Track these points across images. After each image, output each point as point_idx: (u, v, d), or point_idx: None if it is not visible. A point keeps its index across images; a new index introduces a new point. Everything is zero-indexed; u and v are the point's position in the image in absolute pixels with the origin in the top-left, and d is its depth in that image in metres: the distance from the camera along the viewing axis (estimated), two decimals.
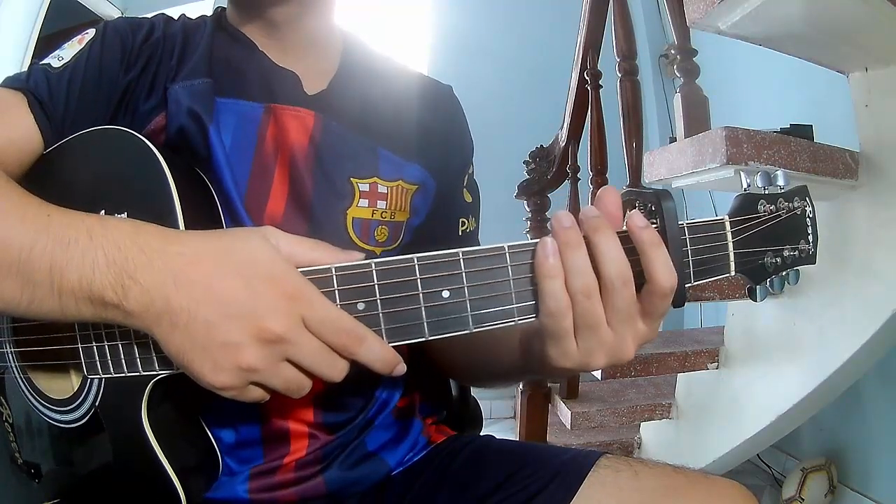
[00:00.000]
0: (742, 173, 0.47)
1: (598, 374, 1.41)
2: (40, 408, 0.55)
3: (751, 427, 1.39)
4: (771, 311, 1.38)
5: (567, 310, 0.41)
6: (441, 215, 0.68)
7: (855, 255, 1.17)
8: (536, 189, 1.84)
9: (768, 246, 0.47)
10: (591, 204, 0.44)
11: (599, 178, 1.63)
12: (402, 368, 0.43)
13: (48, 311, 0.41)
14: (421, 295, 0.42)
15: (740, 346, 1.47)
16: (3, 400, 0.59)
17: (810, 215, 0.48)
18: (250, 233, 0.43)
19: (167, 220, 0.47)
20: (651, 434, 1.72)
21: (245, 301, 0.39)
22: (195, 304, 0.39)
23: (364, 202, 0.61)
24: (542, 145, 1.92)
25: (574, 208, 1.75)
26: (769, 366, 1.37)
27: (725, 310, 1.54)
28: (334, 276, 0.42)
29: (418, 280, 0.42)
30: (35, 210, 0.42)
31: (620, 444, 1.74)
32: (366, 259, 0.43)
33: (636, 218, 0.42)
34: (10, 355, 0.56)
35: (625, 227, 0.42)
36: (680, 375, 1.60)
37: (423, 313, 0.42)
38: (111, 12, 2.95)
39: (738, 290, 1.34)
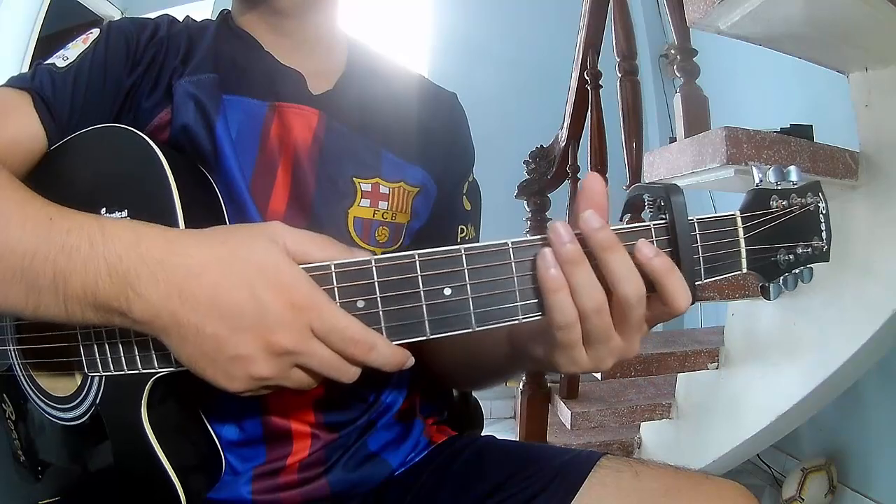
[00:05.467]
0: (754, 168, 0.46)
1: (597, 374, 1.41)
2: (42, 405, 0.55)
3: (751, 427, 1.39)
4: (771, 312, 1.38)
5: (576, 322, 0.40)
6: (440, 221, 0.68)
7: (855, 255, 1.16)
8: (536, 189, 1.84)
9: (781, 242, 0.45)
10: (578, 196, 0.42)
11: None
12: (411, 362, 0.43)
13: (55, 316, 0.41)
14: (422, 292, 0.41)
15: (740, 347, 1.47)
16: (5, 397, 0.60)
17: (823, 211, 0.47)
18: (256, 235, 0.42)
19: (167, 219, 0.47)
20: (651, 434, 1.72)
21: (252, 313, 0.39)
22: (202, 319, 0.39)
23: (366, 202, 0.61)
24: (542, 145, 1.92)
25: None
26: (769, 366, 1.37)
27: (725, 310, 1.54)
28: (333, 274, 0.41)
29: (419, 277, 0.41)
30: (37, 212, 0.42)
31: (620, 444, 1.73)
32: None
33: (645, 249, 0.40)
34: (12, 353, 0.56)
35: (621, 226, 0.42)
36: (680, 375, 1.60)
37: (425, 311, 0.41)
38: (111, 12, 2.95)
39: (738, 290, 1.34)
